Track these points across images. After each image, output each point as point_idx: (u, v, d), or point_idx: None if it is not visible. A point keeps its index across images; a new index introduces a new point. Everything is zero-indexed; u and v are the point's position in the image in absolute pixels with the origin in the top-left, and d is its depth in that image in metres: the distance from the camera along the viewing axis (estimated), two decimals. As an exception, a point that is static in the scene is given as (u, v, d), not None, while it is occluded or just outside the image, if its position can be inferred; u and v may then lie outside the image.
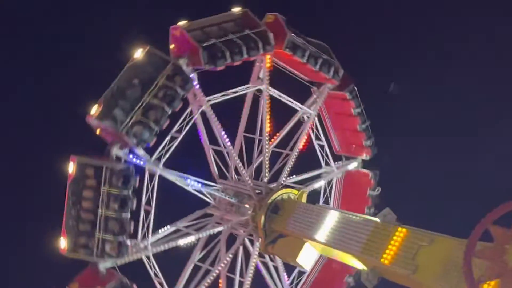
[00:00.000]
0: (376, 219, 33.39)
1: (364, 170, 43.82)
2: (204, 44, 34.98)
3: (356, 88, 41.52)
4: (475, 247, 27.96)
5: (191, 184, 37.05)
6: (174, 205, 39.44)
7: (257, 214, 37.79)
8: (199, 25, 36.02)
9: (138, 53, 34.56)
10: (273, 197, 37.91)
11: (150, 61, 34.29)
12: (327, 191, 43.34)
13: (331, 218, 35.21)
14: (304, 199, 38.37)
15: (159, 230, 36.93)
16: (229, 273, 40.07)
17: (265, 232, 37.59)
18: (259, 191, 39.05)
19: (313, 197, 42.22)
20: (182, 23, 35.71)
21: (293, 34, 38.32)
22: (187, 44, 34.96)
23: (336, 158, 43.61)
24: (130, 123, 33.04)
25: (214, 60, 35.06)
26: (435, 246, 30.59)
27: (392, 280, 32.14)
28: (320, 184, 42.49)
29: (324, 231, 34.94)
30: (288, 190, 38.73)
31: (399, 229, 31.56)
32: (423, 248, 30.85)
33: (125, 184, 32.80)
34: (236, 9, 37.68)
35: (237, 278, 39.62)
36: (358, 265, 33.38)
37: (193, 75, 35.38)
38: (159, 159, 35.49)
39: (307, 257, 35.75)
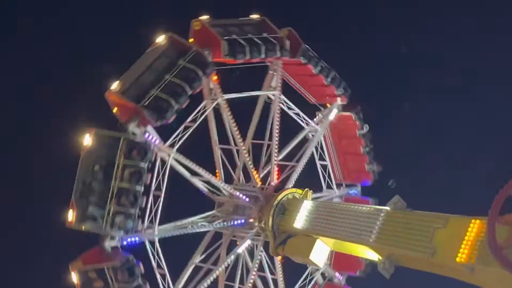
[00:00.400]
0: (387, 207, 32.69)
1: (346, 113, 42.41)
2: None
3: (308, 48, 39.34)
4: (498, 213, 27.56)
5: (193, 227, 36.45)
6: (184, 240, 38.75)
7: (265, 221, 37.14)
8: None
9: (87, 139, 32.85)
10: (279, 198, 37.19)
11: (102, 144, 32.60)
12: (319, 151, 42.34)
13: (340, 212, 34.66)
14: (309, 198, 37.65)
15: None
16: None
17: (274, 234, 37.09)
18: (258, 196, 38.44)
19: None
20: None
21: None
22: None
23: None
24: (109, 217, 31.92)
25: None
26: (450, 226, 30.08)
27: (409, 266, 31.87)
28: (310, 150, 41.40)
29: (334, 225, 34.41)
30: (293, 190, 37.92)
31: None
32: (438, 230, 30.40)
33: (131, 275, 32.49)
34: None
35: (269, 276, 39.91)
36: (371, 255, 33.06)
37: (148, 135, 33.68)
38: (152, 221, 34.68)
39: (320, 253, 35.41)
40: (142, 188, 32.67)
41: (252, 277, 38.66)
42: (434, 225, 30.53)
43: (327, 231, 34.65)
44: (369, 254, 33.31)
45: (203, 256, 38.54)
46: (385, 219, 32.41)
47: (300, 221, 36.11)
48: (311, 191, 37.95)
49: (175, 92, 33.65)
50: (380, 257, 32.33)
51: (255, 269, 38.81)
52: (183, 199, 39.10)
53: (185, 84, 33.89)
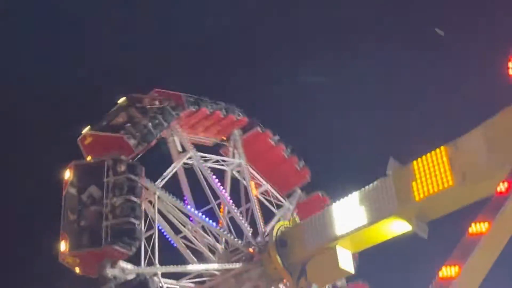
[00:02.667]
0: (388, 173, 31.61)
1: (250, 132, 39.47)
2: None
3: (188, 95, 36.60)
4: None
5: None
6: None
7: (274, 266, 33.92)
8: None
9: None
10: (274, 234, 34.29)
11: None
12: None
13: (345, 207, 32.76)
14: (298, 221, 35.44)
15: None
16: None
17: (289, 271, 33.87)
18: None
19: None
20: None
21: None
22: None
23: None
24: None
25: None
26: (462, 146, 29.86)
27: (443, 213, 31.07)
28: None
29: (349, 219, 32.43)
30: (280, 223, 35.25)
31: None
32: (454, 154, 29.90)
33: None
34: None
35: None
36: (400, 229, 31.66)
37: None
38: None
39: (346, 259, 33.12)
40: None
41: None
42: (444, 155, 30.14)
43: (346, 229, 32.38)
44: (396, 228, 31.66)
45: None
46: (395, 182, 31.32)
47: (309, 240, 33.42)
48: (296, 215, 35.48)
49: (128, 209, 29.93)
50: (410, 221, 31.04)
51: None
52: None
53: (130, 195, 30.25)
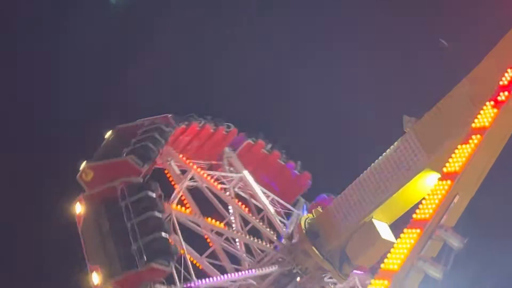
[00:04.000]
0: (407, 130, 30.82)
1: (242, 146, 37.80)
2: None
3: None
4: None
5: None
6: None
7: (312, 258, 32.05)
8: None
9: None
10: (302, 226, 32.42)
11: None
12: None
13: (370, 178, 31.29)
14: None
15: None
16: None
17: (329, 260, 31.91)
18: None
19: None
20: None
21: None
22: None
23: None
24: None
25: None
26: (477, 77, 29.41)
27: None
28: None
29: (378, 189, 30.92)
30: (304, 216, 33.41)
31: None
32: (472, 88, 29.37)
33: None
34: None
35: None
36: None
37: None
38: None
39: (385, 230, 31.44)
40: None
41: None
42: (460, 93, 29.58)
43: (378, 199, 30.79)
44: (430, 182, 30.09)
45: None
46: (417, 135, 30.30)
47: (342, 221, 31.64)
48: (319, 206, 33.72)
49: (156, 225, 27.75)
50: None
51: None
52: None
53: (154, 211, 28.20)
